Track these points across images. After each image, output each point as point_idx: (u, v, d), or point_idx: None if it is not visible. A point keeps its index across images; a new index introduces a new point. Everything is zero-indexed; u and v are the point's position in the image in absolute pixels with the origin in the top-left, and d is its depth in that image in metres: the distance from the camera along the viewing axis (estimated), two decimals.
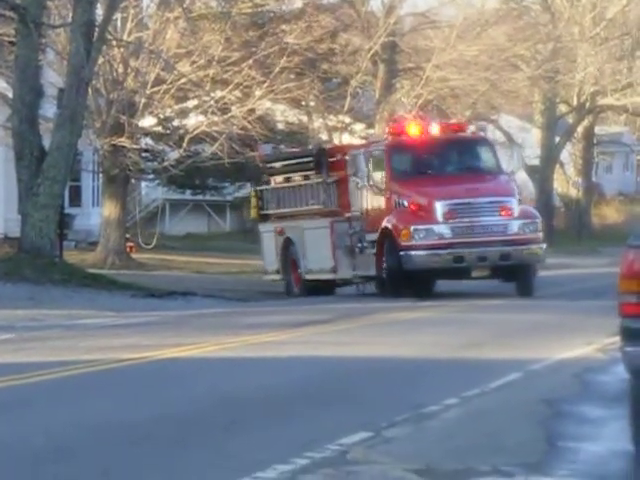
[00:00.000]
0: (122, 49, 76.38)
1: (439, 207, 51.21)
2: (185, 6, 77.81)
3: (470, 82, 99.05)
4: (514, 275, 58.57)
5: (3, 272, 61.69)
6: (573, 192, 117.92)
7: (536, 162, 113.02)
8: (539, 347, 36.97)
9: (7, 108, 72.56)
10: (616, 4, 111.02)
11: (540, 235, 59.35)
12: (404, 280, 53.23)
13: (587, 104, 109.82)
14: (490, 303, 65.18)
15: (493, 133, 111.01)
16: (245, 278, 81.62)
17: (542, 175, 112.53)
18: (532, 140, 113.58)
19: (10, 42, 69.41)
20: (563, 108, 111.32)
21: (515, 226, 53.83)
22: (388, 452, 21.69)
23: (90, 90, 69.61)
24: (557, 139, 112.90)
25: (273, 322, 48.66)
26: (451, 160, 57.07)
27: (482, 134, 63.32)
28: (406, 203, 52.45)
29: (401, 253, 55.34)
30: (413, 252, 51.11)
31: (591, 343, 35.33)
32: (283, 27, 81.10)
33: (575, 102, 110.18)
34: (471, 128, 59.60)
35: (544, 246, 57.95)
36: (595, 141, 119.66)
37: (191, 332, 45.18)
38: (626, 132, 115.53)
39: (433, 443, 22.71)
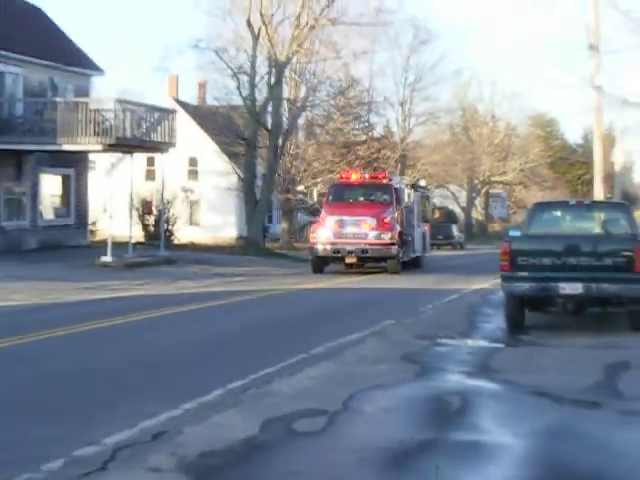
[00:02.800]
0: (290, 156, 75.41)
1: (329, 220, 45.42)
2: (317, 138, 77.32)
3: (437, 171, 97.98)
4: (383, 261, 47.17)
5: (240, 252, 61.08)
6: (480, 217, 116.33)
7: (464, 205, 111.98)
8: (467, 284, 36.99)
9: (241, 182, 71.15)
10: (499, 136, 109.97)
11: (391, 240, 45.55)
12: (313, 262, 47.05)
13: (486, 180, 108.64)
14: (445, 265, 58.49)
15: (449, 192, 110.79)
16: None
17: (467, 210, 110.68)
18: (463, 195, 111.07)
19: (242, 154, 68.17)
20: (476, 181, 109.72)
21: (373, 234, 44.63)
22: (404, 329, 22.24)
23: (276, 174, 68.76)
24: (474, 194, 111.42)
25: (350, 273, 46.00)
26: (363, 194, 48.02)
27: (387, 181, 49.29)
28: (321, 216, 47.71)
29: (310, 246, 48.29)
30: (314, 246, 45.49)
31: (488, 282, 35.44)
32: (357, 147, 79.94)
33: (481, 179, 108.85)
34: (390, 177, 49.54)
35: (394, 247, 45.20)
36: (490, 195, 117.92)
37: (315, 277, 43.21)
38: (502, 192, 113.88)
39: (422, 325, 23.03)
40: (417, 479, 9.56)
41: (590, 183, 57.57)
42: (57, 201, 55.31)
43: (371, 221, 41.53)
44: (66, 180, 55.31)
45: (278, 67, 66.85)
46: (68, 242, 53.12)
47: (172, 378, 14.98)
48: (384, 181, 45.78)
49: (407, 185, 47.61)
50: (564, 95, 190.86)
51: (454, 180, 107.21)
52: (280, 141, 68.99)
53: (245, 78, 67.44)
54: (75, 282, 35.34)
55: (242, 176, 72.37)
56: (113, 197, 46.41)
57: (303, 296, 34.30)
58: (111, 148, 46.28)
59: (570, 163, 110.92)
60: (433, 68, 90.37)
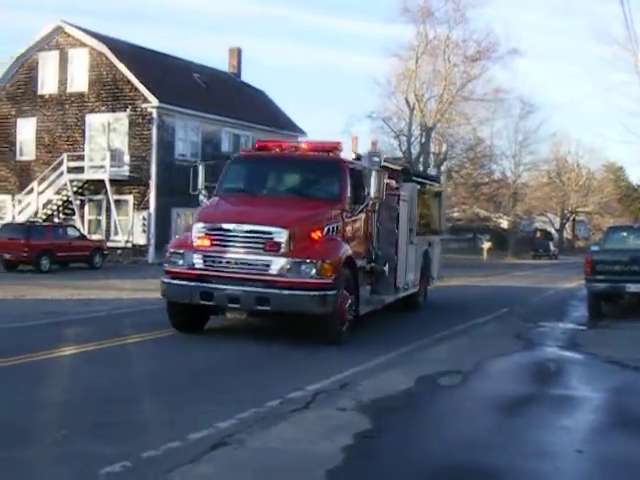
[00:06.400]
0: None
1: (196, 232, 14.85)
2: (454, 180, 76.05)
3: (539, 203, 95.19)
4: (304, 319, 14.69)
5: None
6: (569, 236, 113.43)
7: (558, 227, 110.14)
8: (559, 283, 36.28)
9: None
10: (582, 179, 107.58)
11: (322, 278, 14.03)
12: (168, 310, 15.72)
13: (573, 210, 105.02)
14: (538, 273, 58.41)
15: (547, 218, 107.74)
16: None
17: (560, 232, 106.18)
18: (557, 221, 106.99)
19: None
20: (566, 211, 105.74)
21: (280, 265, 14.09)
22: (514, 315, 21.96)
23: None
24: (564, 220, 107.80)
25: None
26: (284, 181, 16.96)
27: (336, 156, 16.96)
28: (190, 224, 17.67)
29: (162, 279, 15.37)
30: (166, 280, 15.06)
31: (573, 282, 34.67)
32: (482, 187, 78.33)
33: (569, 209, 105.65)
34: (340, 149, 17.31)
35: (328, 294, 14.01)
36: (576, 221, 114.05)
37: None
38: (585, 219, 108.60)
39: (528, 312, 22.76)
40: (527, 419, 9.52)
41: None
42: None
43: (279, 235, 14.36)
44: None
45: (427, 131, 67.18)
46: None
47: (355, 345, 14.91)
48: (330, 156, 17.14)
49: (385, 169, 17.72)
50: (628, 149, 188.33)
51: (550, 210, 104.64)
52: None
53: (404, 138, 68.57)
54: None
55: None
56: None
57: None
58: None
59: (633, 198, 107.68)
60: (536, 131, 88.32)
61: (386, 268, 18.05)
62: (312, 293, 14.01)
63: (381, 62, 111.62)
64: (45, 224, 40.10)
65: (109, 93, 45.34)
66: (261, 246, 14.27)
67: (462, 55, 67.35)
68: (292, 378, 11.29)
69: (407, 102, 67.16)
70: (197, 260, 14.68)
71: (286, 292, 14.00)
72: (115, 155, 44.47)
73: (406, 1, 66.37)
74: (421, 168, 63.69)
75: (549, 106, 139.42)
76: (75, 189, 44.71)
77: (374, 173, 15.97)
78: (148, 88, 43.65)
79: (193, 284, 14.60)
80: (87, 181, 44.65)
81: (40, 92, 47.90)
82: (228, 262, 14.44)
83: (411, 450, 8.07)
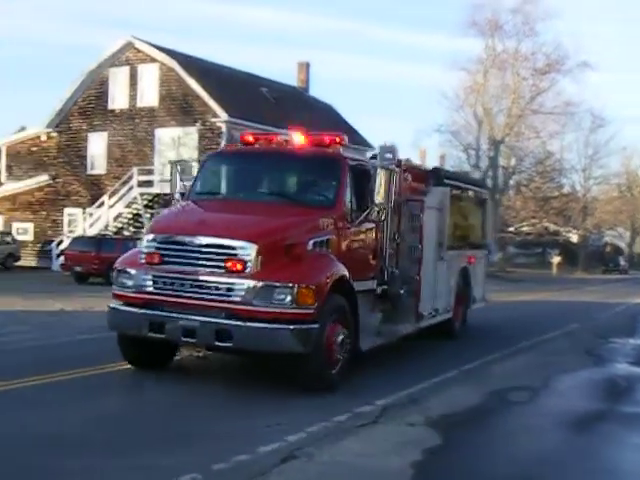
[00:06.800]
0: (504, 207, 72.99)
1: (144, 244, 11.39)
2: (523, 194, 75.42)
3: (609, 217, 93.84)
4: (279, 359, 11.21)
5: None
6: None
7: (628, 241, 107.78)
8: (629, 298, 35.80)
9: None
10: None
11: (299, 310, 10.35)
12: (119, 343, 12.15)
13: None
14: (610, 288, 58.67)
15: (617, 232, 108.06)
16: None
17: (630, 245, 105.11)
18: (627, 235, 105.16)
19: None
20: (637, 225, 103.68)
21: (246, 289, 10.35)
22: (585, 330, 21.81)
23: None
24: (635, 234, 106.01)
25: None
26: (268, 181, 13.05)
27: (334, 151, 12.94)
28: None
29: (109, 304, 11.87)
30: (112, 305, 11.62)
31: None
32: (551, 200, 77.32)
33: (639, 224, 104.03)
34: (344, 143, 13.34)
35: (306, 327, 10.40)
36: None
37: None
38: None
39: (598, 328, 22.54)
40: (597, 438, 9.47)
41: None
42: None
43: (245, 250, 10.65)
44: None
45: (495, 144, 66.77)
46: None
47: (424, 361, 14.90)
48: (326, 151, 13.14)
49: (408, 169, 15.02)
50: None
51: (620, 224, 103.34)
52: (497, 196, 68.34)
53: (472, 152, 68.35)
54: None
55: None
56: None
57: (508, 304, 29.81)
58: None
59: None
60: (606, 144, 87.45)
61: (403, 291, 14.35)
62: (287, 327, 10.56)
63: (449, 75, 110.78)
64: (115, 237, 40.36)
65: (179, 108, 45.88)
66: (222, 264, 10.84)
67: (531, 68, 66.94)
68: (360, 393, 11.23)
69: (475, 116, 67.00)
70: (147, 281, 11.40)
71: (252, 325, 10.58)
72: (185, 169, 44.71)
73: (474, 14, 65.92)
74: (490, 181, 63.22)
75: (620, 119, 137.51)
76: (145, 202, 45.16)
77: (381, 172, 12.44)
78: (218, 103, 44.05)
79: (141, 312, 11.36)
80: (157, 195, 45.03)
81: (111, 107, 48.70)
82: (182, 284, 11.05)
83: (481, 466, 8.03)
